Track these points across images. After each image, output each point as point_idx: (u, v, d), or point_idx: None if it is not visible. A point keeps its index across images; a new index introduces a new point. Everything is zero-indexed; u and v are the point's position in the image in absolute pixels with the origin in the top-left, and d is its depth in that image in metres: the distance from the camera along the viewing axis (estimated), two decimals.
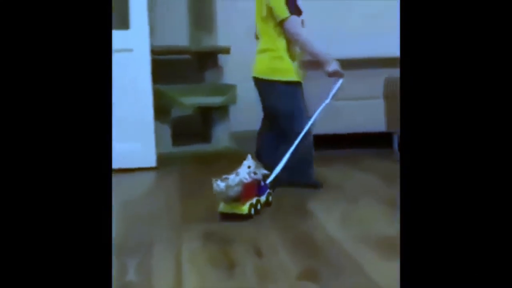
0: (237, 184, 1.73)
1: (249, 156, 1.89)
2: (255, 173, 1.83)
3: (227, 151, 3.15)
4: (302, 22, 2.19)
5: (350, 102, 3.14)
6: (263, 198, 1.87)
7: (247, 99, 3.50)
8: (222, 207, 1.79)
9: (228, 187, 1.72)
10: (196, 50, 3.39)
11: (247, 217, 1.75)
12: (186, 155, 3.05)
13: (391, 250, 1.44)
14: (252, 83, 3.61)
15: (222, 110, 3.22)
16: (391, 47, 3.65)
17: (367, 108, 3.14)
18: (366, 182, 2.33)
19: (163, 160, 2.88)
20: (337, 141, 3.20)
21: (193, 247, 1.53)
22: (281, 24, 2.12)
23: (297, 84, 2.19)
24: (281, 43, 2.15)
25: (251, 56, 3.64)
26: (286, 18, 2.09)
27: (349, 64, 3.56)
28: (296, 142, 2.06)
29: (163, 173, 2.75)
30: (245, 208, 1.75)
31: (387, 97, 3.09)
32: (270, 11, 2.13)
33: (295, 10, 2.10)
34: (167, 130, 3.06)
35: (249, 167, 1.83)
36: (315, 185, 2.17)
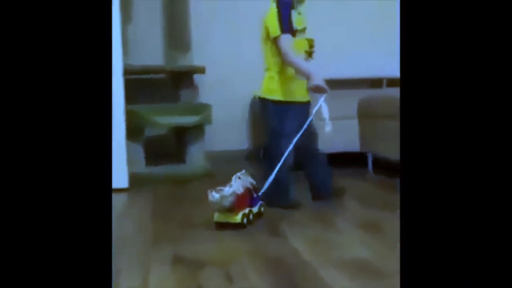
0: (230, 195, 1.87)
1: (243, 171, 2.01)
2: (239, 178, 1.96)
3: (201, 172, 3.11)
4: (311, 42, 2.23)
5: (320, 123, 3.14)
6: (255, 209, 2.00)
7: (222, 119, 3.49)
8: (216, 216, 1.92)
9: (222, 197, 1.86)
10: (171, 70, 3.37)
11: (240, 226, 1.88)
12: (159, 176, 3.00)
13: (364, 273, 1.42)
14: (226, 103, 3.63)
15: (197, 130, 3.19)
16: (365, 68, 3.71)
17: (341, 128, 3.14)
18: (340, 204, 2.31)
19: (136, 181, 2.82)
20: None
21: (162, 271, 1.49)
22: (273, 43, 2.14)
23: (288, 104, 2.18)
24: (274, 63, 2.18)
25: (226, 75, 3.65)
26: (278, 37, 2.09)
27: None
28: (281, 161, 2.07)
29: (136, 194, 2.70)
30: (238, 218, 1.88)
31: (361, 117, 3.11)
32: (267, 31, 2.16)
33: (288, 29, 2.11)
34: (140, 150, 3.01)
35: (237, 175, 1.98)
36: (292, 206, 2.15)
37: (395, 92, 3.10)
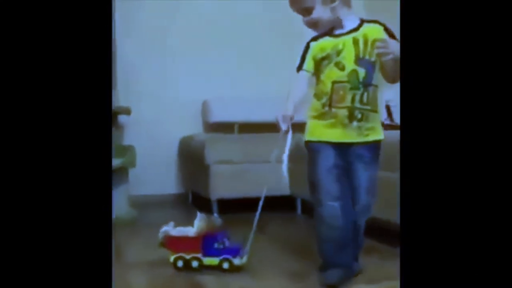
0: (161, 233, 1.91)
1: (198, 214, 1.94)
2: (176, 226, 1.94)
3: (124, 217, 2.94)
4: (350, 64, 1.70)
5: (255, 165, 3.11)
6: (211, 259, 1.88)
7: (148, 162, 3.36)
8: None
9: (159, 233, 1.93)
10: None
11: (173, 266, 1.89)
12: None
13: None
14: (152, 145, 3.51)
15: (120, 173, 3.03)
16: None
17: (272, 172, 3.11)
18: (268, 251, 2.23)
19: None
20: (241, 205, 3.12)
21: None
22: None
23: (313, 144, 1.81)
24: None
25: (152, 116, 3.55)
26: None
27: (255, 128, 3.58)
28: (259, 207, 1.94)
29: None
30: (171, 258, 1.90)
31: (290, 161, 3.10)
32: None
33: (300, 66, 1.81)
34: None
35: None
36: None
37: None
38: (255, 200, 3.13)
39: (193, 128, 3.64)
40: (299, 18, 1.82)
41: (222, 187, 3.03)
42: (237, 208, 3.09)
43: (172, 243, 1.90)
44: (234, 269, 1.85)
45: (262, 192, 1.97)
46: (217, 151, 3.05)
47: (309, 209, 2.98)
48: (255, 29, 3.70)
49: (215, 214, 3.05)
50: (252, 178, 3.07)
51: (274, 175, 3.08)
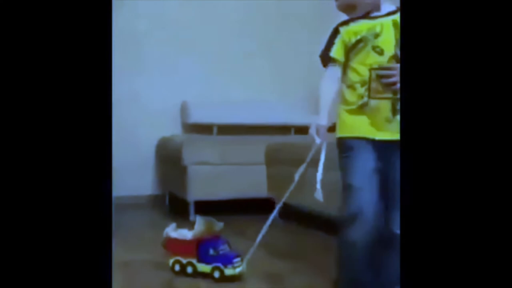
0: (164, 234, 1.89)
1: (197, 217, 1.87)
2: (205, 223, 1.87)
3: None
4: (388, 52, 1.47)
5: (233, 167, 3.10)
6: (204, 266, 1.78)
7: (124, 163, 3.32)
8: None
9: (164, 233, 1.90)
10: None
11: (171, 270, 1.85)
12: None
13: None
14: (128, 146, 3.46)
15: None
16: (273, 115, 3.74)
17: (249, 174, 3.11)
18: (251, 256, 2.20)
19: None
20: (219, 207, 3.10)
21: None
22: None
23: (348, 142, 1.48)
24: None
25: (128, 117, 3.50)
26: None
27: (233, 129, 3.57)
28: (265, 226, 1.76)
29: None
30: (170, 261, 1.85)
31: (268, 163, 3.10)
32: None
33: (327, 56, 1.57)
34: None
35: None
36: None
37: (303, 139, 3.14)
38: (233, 202, 3.12)
39: (171, 129, 3.61)
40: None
41: (199, 188, 3.01)
42: (214, 210, 3.06)
43: (170, 245, 1.86)
44: (225, 279, 1.73)
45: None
46: (194, 153, 3.03)
47: (287, 213, 2.98)
48: (234, 31, 3.69)
49: (192, 216, 3.03)
50: (230, 180, 3.06)
51: (252, 177, 3.09)
